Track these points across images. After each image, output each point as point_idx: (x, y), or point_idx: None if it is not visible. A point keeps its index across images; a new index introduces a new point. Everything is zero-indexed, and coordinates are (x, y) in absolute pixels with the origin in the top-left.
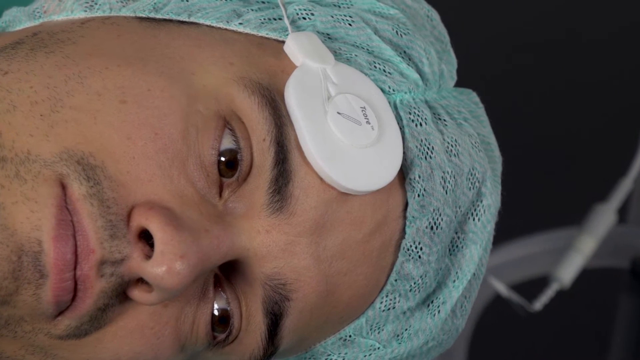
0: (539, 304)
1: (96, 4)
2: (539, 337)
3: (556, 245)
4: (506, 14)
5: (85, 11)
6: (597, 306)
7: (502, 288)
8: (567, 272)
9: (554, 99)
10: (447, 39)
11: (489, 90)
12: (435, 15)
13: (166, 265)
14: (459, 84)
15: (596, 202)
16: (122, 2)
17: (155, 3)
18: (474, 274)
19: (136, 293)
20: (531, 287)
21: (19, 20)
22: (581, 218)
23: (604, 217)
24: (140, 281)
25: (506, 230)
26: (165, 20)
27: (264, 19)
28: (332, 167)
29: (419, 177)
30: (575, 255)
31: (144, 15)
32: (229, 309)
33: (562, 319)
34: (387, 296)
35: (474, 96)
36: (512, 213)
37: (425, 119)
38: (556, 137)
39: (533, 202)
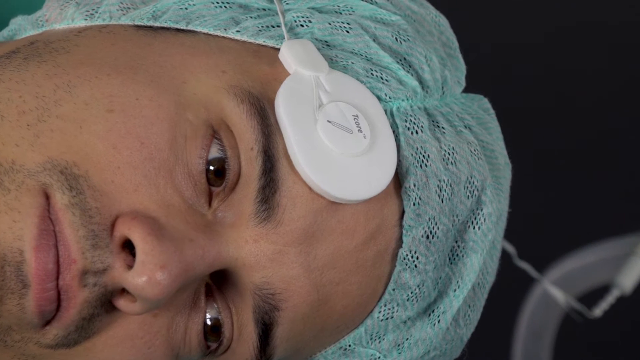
0: (598, 311)
1: (97, 12)
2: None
3: (619, 253)
4: (518, 16)
5: (86, 19)
6: None
7: (559, 295)
8: (628, 278)
9: (610, 102)
10: (455, 44)
11: (537, 95)
12: (443, 20)
13: (146, 275)
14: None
15: None
16: (122, 10)
17: (154, 11)
18: (478, 283)
19: (121, 303)
20: (592, 293)
21: (24, 28)
22: None
23: None
24: (126, 291)
25: (568, 239)
26: (162, 28)
27: (262, 26)
28: (320, 175)
29: (414, 185)
30: (637, 261)
31: (142, 24)
32: (220, 318)
33: (624, 326)
34: (385, 305)
35: (484, 102)
36: (574, 222)
37: (422, 126)
38: (614, 143)
39: (596, 209)
